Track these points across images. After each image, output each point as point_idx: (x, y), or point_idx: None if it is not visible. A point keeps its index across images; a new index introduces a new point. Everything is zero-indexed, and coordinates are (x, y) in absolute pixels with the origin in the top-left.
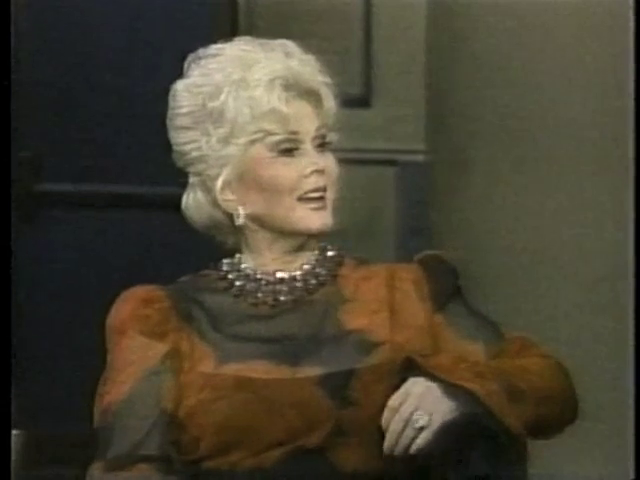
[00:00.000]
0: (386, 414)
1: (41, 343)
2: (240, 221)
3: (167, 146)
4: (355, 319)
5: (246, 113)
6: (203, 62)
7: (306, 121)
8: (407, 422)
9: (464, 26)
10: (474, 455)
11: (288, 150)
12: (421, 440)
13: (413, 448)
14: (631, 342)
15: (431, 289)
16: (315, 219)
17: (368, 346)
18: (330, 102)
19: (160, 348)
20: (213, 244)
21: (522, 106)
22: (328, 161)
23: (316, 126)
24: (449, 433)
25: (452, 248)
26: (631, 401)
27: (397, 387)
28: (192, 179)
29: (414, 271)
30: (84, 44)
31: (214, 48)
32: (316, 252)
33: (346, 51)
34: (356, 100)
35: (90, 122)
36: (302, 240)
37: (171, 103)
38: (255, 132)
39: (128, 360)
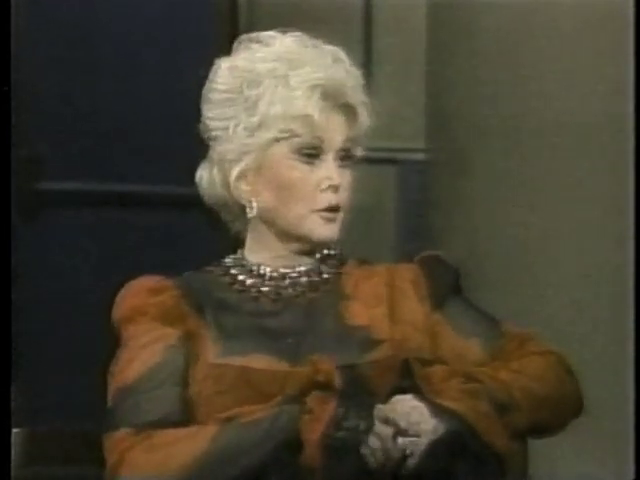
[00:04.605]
0: (372, 439)
1: (41, 343)
2: (253, 213)
3: (168, 145)
4: (355, 316)
5: (279, 110)
6: (253, 47)
7: (335, 132)
8: (394, 450)
9: (464, 24)
10: (458, 475)
11: (309, 155)
12: (409, 466)
13: (401, 472)
14: (631, 341)
15: (430, 288)
16: (324, 230)
17: (369, 343)
18: (364, 119)
19: (174, 331)
20: (214, 243)
21: (522, 104)
22: (345, 178)
23: (344, 138)
24: (434, 454)
25: (452, 247)
26: (631, 401)
27: (393, 390)
28: (212, 153)
29: (414, 271)
30: (85, 43)
31: (267, 36)
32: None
33: (346, 50)
34: None
35: (91, 121)
36: (308, 245)
37: (211, 76)
38: (283, 130)
39: (144, 341)
